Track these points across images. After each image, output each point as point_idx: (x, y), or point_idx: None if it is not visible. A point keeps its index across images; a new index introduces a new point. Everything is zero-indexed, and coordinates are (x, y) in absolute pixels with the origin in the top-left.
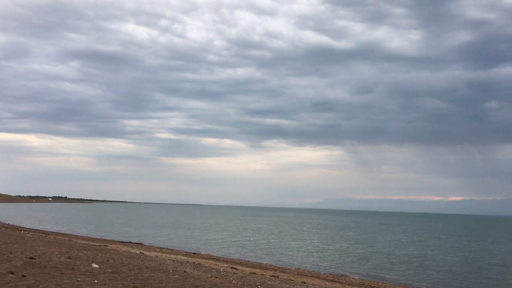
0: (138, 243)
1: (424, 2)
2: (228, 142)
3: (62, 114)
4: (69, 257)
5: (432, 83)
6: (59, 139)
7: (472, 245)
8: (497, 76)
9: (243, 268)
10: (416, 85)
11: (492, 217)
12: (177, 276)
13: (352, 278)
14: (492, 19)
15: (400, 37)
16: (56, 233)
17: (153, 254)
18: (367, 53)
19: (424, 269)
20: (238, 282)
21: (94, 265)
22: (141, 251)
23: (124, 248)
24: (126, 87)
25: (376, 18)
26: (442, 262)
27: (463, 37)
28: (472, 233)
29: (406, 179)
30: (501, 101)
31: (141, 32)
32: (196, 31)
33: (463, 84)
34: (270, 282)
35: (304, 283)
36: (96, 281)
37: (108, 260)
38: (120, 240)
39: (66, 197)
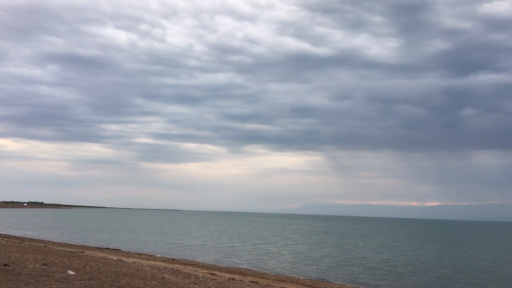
0: (116, 249)
1: (402, 10)
2: (208, 147)
3: (39, 118)
4: (45, 264)
5: (409, 90)
6: (35, 143)
7: (447, 249)
8: (473, 84)
9: (222, 274)
10: (393, 92)
11: (468, 222)
12: (155, 282)
13: (331, 283)
14: (468, 28)
15: (378, 44)
16: (32, 239)
17: (131, 260)
18: (346, 60)
19: (400, 274)
20: None
21: (70, 272)
22: (119, 258)
23: (101, 255)
24: (105, 91)
25: (355, 25)
26: (418, 267)
27: (439, 45)
28: (448, 238)
29: (384, 185)
30: (476, 108)
31: (120, 36)
32: (176, 36)
33: (439, 92)
34: None
35: None
36: None
37: (84, 267)
38: (97, 246)
39: (42, 203)
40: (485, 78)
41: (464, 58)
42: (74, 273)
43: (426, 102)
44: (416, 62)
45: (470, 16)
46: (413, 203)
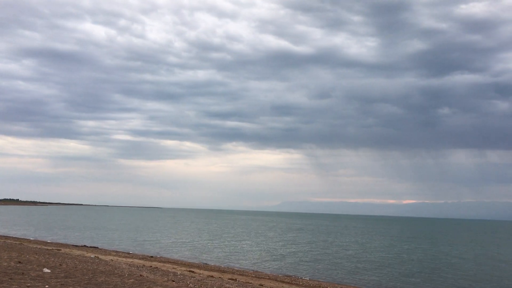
0: (93, 247)
1: (381, 10)
2: (187, 145)
3: (14, 114)
4: (19, 262)
5: (387, 90)
6: (10, 139)
7: (416, 246)
8: (449, 84)
9: (201, 271)
10: (372, 91)
11: (443, 219)
12: (132, 280)
13: (309, 280)
14: (445, 28)
15: (357, 43)
16: (6, 237)
17: (108, 258)
18: (325, 58)
19: (375, 269)
20: (195, 285)
21: (46, 270)
22: (96, 255)
23: (78, 252)
24: (82, 87)
25: (335, 24)
26: (391, 263)
27: (417, 45)
28: (421, 236)
29: (362, 183)
30: (452, 107)
31: (99, 31)
32: (156, 32)
33: (417, 91)
34: (227, 285)
35: (262, 285)
36: (47, 286)
37: (60, 265)
38: (74, 244)
39: (18, 200)
40: (461, 78)
41: (441, 58)
42: (49, 271)
43: (404, 101)
44: (394, 62)
45: (447, 17)
46: (390, 201)
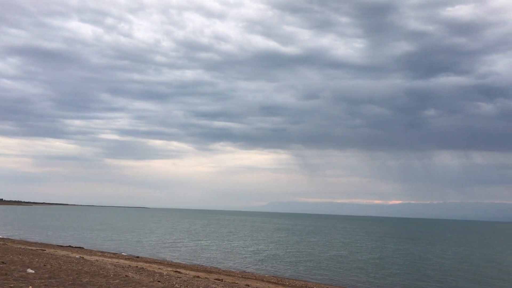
0: (78, 247)
1: (368, 12)
2: (175, 144)
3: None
4: (3, 262)
5: (374, 91)
6: None
7: (399, 246)
8: (435, 86)
9: (187, 272)
10: (360, 92)
11: (429, 220)
12: (117, 280)
13: (295, 280)
14: (431, 31)
15: (345, 45)
16: None
17: (93, 258)
18: (313, 59)
19: (359, 269)
20: (181, 286)
21: (30, 271)
22: (81, 256)
23: (63, 253)
24: (69, 86)
25: (323, 25)
26: (376, 263)
27: (404, 47)
28: (405, 236)
29: (349, 183)
30: (438, 109)
31: (86, 30)
32: (144, 31)
33: (403, 93)
34: (213, 286)
35: (248, 286)
36: (30, 287)
37: (45, 265)
38: (59, 244)
39: (2, 199)
40: (447, 80)
41: (427, 60)
42: (33, 271)
43: (390, 103)
44: (381, 63)
45: (434, 20)
46: (377, 201)
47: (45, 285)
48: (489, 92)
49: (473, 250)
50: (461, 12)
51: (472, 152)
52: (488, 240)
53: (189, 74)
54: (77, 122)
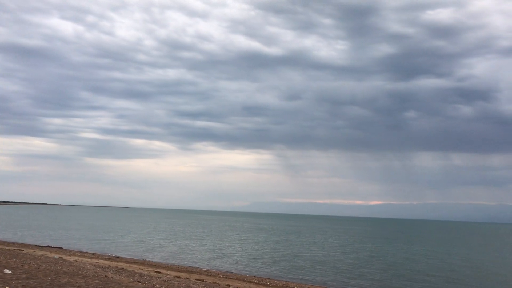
0: (57, 247)
1: (351, 14)
2: (156, 144)
3: None
4: None
5: (356, 92)
6: None
7: (375, 246)
8: (415, 88)
9: (168, 272)
10: (342, 94)
11: (408, 220)
12: (97, 281)
13: (276, 280)
14: (412, 33)
15: (328, 46)
16: None
17: (72, 258)
18: (296, 60)
19: (338, 269)
20: (161, 286)
21: (7, 271)
22: (60, 256)
23: (41, 253)
24: (49, 84)
25: (306, 27)
26: (358, 263)
27: (385, 49)
28: (383, 236)
29: (331, 184)
30: (418, 111)
31: (66, 27)
32: (125, 29)
33: (384, 94)
34: (194, 286)
35: (229, 286)
36: (7, 287)
37: (22, 265)
38: (37, 244)
39: None
40: (427, 83)
41: (408, 63)
42: (10, 272)
43: (372, 104)
44: (363, 65)
45: (414, 23)
46: (358, 202)
47: (23, 285)
48: (468, 94)
49: (448, 249)
50: (441, 15)
51: (451, 154)
52: (464, 239)
53: (172, 73)
54: (57, 121)
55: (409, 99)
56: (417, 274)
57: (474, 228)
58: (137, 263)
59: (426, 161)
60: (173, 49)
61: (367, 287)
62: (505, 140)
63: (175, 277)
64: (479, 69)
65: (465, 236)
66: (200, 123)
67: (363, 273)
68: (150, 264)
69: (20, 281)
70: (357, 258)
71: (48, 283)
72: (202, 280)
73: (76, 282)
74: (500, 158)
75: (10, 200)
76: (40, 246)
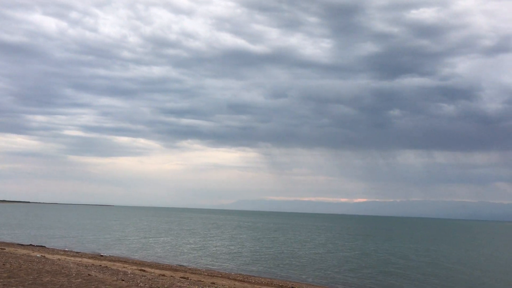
0: (40, 246)
1: (336, 12)
2: (141, 142)
3: None
4: None
5: (341, 91)
6: None
7: (354, 242)
8: (400, 87)
9: (152, 270)
10: (327, 92)
11: (392, 217)
12: (80, 280)
13: (261, 278)
14: (396, 32)
15: (313, 44)
16: None
17: (55, 257)
18: (282, 58)
19: (321, 266)
20: (145, 284)
21: None
22: (43, 254)
23: (23, 251)
24: (31, 81)
25: (291, 25)
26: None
27: (370, 48)
28: (368, 233)
29: (316, 182)
30: (402, 109)
31: (49, 23)
32: (110, 26)
33: (369, 93)
34: (179, 284)
35: (214, 283)
36: None
37: (4, 264)
38: (19, 243)
39: None
40: (411, 81)
41: (392, 62)
42: None
43: (357, 102)
44: (348, 64)
45: (399, 22)
46: (342, 199)
47: (4, 284)
48: (451, 93)
49: (427, 246)
50: (425, 15)
51: (434, 152)
52: (444, 236)
53: (156, 71)
54: (40, 118)
55: (394, 98)
56: (393, 269)
57: (456, 225)
58: (121, 261)
59: (410, 159)
60: (158, 46)
61: (346, 283)
62: (487, 139)
63: (159, 275)
64: (462, 68)
65: (446, 233)
66: (186, 121)
67: (345, 270)
68: (134, 262)
69: (2, 280)
70: (339, 255)
71: (30, 282)
72: (187, 278)
73: (59, 281)
74: (482, 156)
75: None
76: (22, 244)
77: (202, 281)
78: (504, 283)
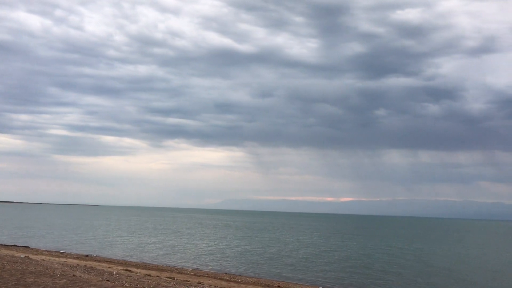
0: (24, 246)
1: (322, 12)
2: (127, 141)
3: None
4: None
5: (328, 90)
6: None
7: (339, 241)
8: (385, 86)
9: (138, 270)
10: (313, 91)
11: (378, 216)
12: (64, 280)
13: (247, 277)
14: (381, 33)
15: (299, 44)
16: None
17: (40, 257)
18: (268, 57)
19: (306, 265)
20: (131, 285)
21: None
22: (27, 255)
23: (7, 252)
24: (15, 79)
25: (278, 24)
26: (326, 259)
27: (356, 48)
28: (353, 232)
29: (302, 181)
30: (388, 109)
31: (33, 21)
32: (95, 24)
33: (355, 92)
34: (165, 284)
35: (200, 283)
36: None
37: None
38: (3, 244)
39: None
40: (396, 81)
41: (377, 61)
42: None
43: (342, 102)
44: (334, 63)
45: (384, 22)
46: (329, 199)
47: None
48: (435, 93)
49: (408, 244)
50: (410, 15)
51: (419, 151)
52: (429, 235)
53: (142, 70)
54: (24, 117)
55: (379, 98)
56: (370, 267)
57: (441, 223)
58: (106, 261)
59: (395, 158)
60: (144, 45)
61: (331, 281)
62: (471, 138)
63: (145, 275)
64: (446, 68)
65: (431, 231)
66: (172, 120)
67: (330, 269)
68: (119, 262)
69: None
70: (325, 254)
71: (14, 282)
72: (173, 278)
73: (43, 282)
74: (466, 155)
75: None
76: (5, 245)
77: (189, 281)
78: (488, 277)
